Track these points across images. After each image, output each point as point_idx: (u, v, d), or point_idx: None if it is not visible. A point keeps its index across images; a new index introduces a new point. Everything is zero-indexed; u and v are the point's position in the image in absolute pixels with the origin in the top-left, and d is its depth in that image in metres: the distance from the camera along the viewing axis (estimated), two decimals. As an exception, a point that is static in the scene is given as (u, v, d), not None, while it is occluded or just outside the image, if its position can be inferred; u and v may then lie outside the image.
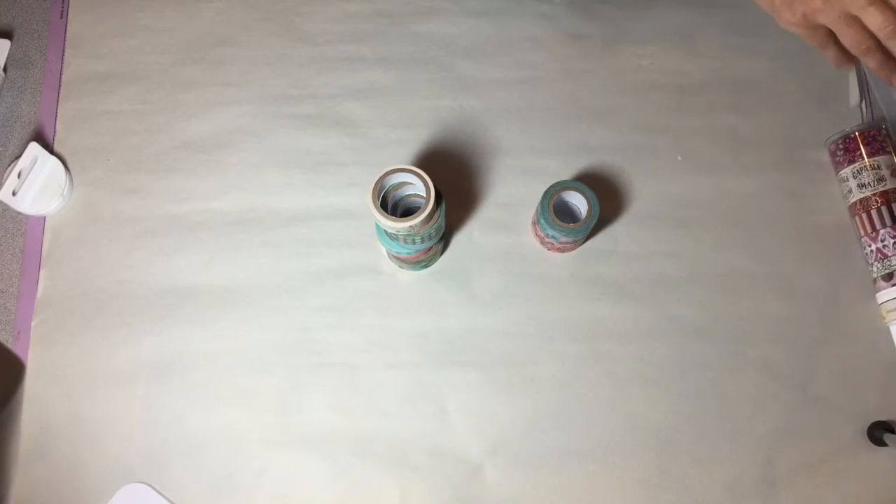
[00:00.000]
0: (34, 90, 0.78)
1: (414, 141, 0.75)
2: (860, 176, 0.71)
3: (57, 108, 0.77)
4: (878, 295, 0.70)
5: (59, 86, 0.77)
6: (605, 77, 0.77)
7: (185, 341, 0.70)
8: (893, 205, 0.69)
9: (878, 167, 0.70)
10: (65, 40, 0.79)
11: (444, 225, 0.66)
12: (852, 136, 0.72)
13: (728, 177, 0.74)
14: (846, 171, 0.72)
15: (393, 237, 0.63)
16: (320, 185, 0.74)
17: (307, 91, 0.77)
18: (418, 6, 0.80)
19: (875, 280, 0.70)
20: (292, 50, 0.78)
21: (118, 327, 0.70)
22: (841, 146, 0.72)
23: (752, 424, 0.68)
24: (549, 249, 0.71)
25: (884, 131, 0.72)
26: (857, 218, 0.72)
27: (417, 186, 0.61)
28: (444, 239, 0.71)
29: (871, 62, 0.63)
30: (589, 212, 0.66)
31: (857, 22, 0.61)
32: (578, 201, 0.68)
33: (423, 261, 0.70)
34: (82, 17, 0.79)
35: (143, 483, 0.66)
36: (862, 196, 0.71)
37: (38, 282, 0.72)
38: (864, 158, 0.71)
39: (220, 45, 0.78)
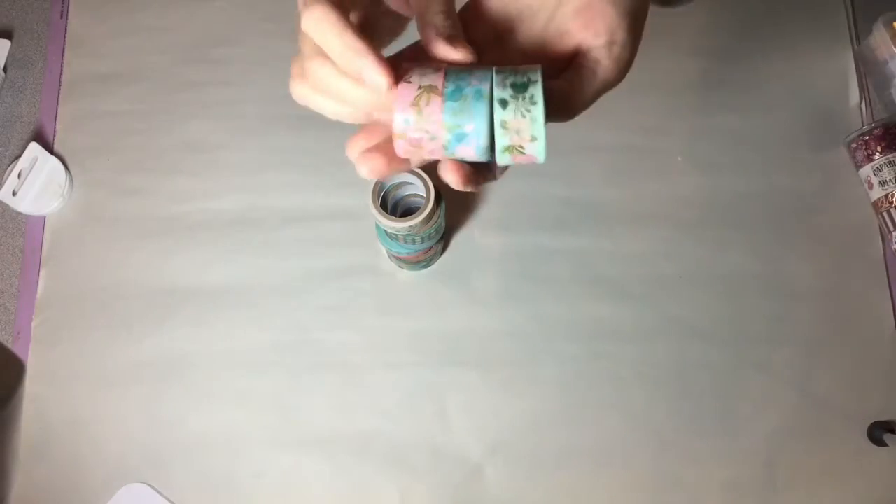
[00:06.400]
0: (34, 90, 0.78)
1: (414, 141, 0.75)
2: (881, 172, 0.70)
3: (57, 108, 0.77)
4: None
5: (59, 86, 0.77)
6: (605, 77, 0.77)
7: (185, 341, 0.70)
8: None
9: None
10: (65, 40, 0.79)
11: (444, 225, 0.66)
12: (874, 133, 0.71)
13: (728, 177, 0.74)
14: (867, 168, 0.71)
15: (393, 237, 0.63)
16: (320, 185, 0.74)
17: (307, 91, 0.77)
18: (418, 6, 0.80)
19: None
20: (292, 50, 0.78)
21: (118, 327, 0.70)
22: (861, 143, 0.72)
23: (752, 424, 0.68)
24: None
25: None
26: (883, 214, 0.71)
27: (417, 186, 0.61)
28: (444, 239, 0.71)
29: None
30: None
31: None
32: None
33: (423, 261, 0.70)
34: (82, 17, 0.79)
35: (143, 483, 0.66)
36: (885, 192, 0.70)
37: (38, 282, 0.72)
38: (886, 154, 0.70)
39: (220, 45, 0.78)
